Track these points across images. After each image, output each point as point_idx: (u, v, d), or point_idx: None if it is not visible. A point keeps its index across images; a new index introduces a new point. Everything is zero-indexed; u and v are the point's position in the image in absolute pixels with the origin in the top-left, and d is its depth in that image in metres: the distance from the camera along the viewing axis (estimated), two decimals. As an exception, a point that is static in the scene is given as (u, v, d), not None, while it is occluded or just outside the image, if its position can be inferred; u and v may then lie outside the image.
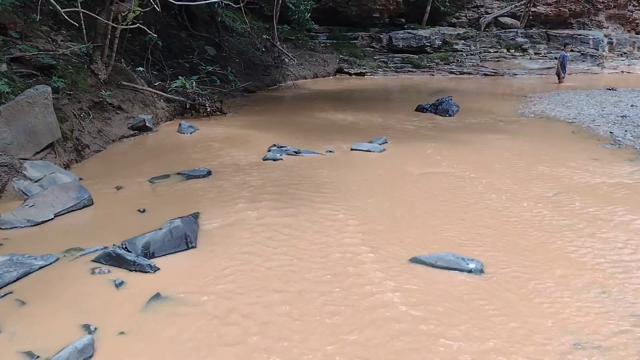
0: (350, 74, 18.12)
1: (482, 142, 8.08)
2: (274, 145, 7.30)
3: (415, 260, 3.83)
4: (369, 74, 18.28)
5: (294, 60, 16.46)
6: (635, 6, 24.82)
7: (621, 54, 23.81)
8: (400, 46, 19.28)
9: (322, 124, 9.61)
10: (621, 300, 3.27)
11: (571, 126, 9.44)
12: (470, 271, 3.67)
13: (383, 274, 3.61)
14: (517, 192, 5.48)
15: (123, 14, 7.61)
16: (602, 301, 3.28)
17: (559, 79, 16.89)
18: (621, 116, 9.94)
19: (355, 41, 19.49)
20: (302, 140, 7.87)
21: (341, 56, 18.72)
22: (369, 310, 3.15)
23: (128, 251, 3.86)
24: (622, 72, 21.15)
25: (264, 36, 16.38)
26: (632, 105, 11.05)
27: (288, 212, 4.83)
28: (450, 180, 5.94)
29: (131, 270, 3.65)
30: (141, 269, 3.66)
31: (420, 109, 10.91)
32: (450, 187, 5.68)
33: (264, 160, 6.69)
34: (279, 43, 16.03)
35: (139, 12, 7.44)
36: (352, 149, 7.36)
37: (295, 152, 7.01)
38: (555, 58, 21.07)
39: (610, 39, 23.13)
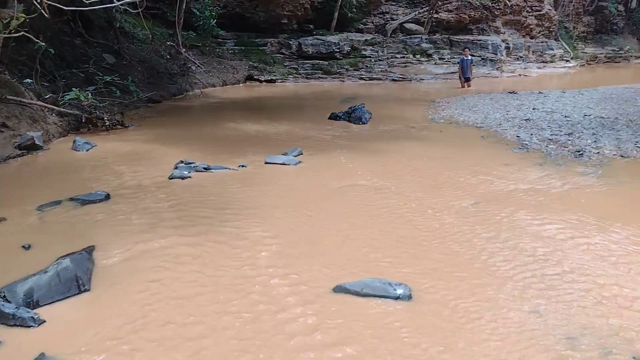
0: (260, 81, 17.73)
1: (398, 150, 8.00)
2: (181, 161, 6.76)
3: (339, 289, 3.52)
4: (279, 80, 17.98)
5: (201, 68, 15.83)
6: (529, 12, 26.39)
7: (517, 58, 25.21)
8: (310, 52, 19.16)
9: (234, 135, 9.15)
10: (552, 321, 3.14)
11: (480, 131, 9.63)
12: (398, 297, 3.42)
13: (303, 307, 3.27)
14: (437, 204, 5.35)
15: (5, 21, 6.80)
16: (534, 323, 3.13)
17: (461, 83, 17.42)
18: (525, 119, 10.30)
19: (265, 47, 19.13)
20: (212, 155, 7.39)
21: (251, 63, 18.27)
22: (285, 351, 2.81)
23: (7, 301, 3.28)
24: (520, 75, 22.34)
25: (168, 43, 15.61)
26: (533, 109, 11.53)
27: (198, 238, 4.38)
28: (370, 193, 5.72)
29: (10, 325, 3.08)
30: (22, 323, 3.09)
31: (334, 117, 10.74)
32: (370, 201, 5.45)
33: (170, 179, 6.15)
34: (184, 50, 15.35)
35: (23, 19, 6.67)
36: (266, 163, 6.99)
37: (204, 168, 6.53)
38: (457, 63, 21.93)
39: (508, 43, 24.42)
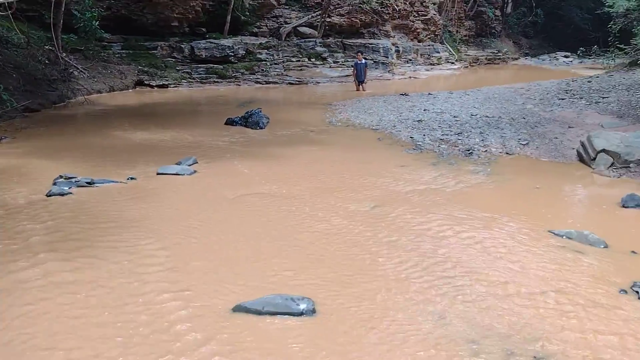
0: (152, 87, 16.89)
1: (296, 155, 7.88)
2: (61, 176, 6.16)
3: (239, 309, 3.30)
4: (172, 86, 17.24)
5: (84, 73, 14.79)
6: (416, 17, 27.53)
7: (407, 61, 26.19)
8: (204, 56, 18.58)
9: (122, 145, 8.55)
10: (455, 326, 3.13)
11: (376, 133, 9.78)
12: (301, 313, 3.27)
13: (200, 334, 3.02)
14: (338, 209, 5.28)
15: None
16: (436, 328, 3.10)
17: (356, 86, 17.70)
18: (417, 121, 10.62)
19: (155, 51, 18.26)
20: (98, 168, 6.82)
21: (140, 67, 17.36)
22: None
23: None
24: (410, 77, 23.20)
25: (47, 47, 14.41)
26: (424, 110, 11.93)
27: (80, 262, 3.96)
28: (268, 202, 5.54)
29: None
30: None
31: (230, 122, 10.42)
32: (268, 210, 5.27)
33: (48, 196, 5.57)
34: (64, 54, 14.24)
35: None
36: (158, 174, 6.57)
37: (88, 182, 6.00)
38: (352, 66, 22.37)
39: (398, 47, 25.29)
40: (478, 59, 33.96)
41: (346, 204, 5.45)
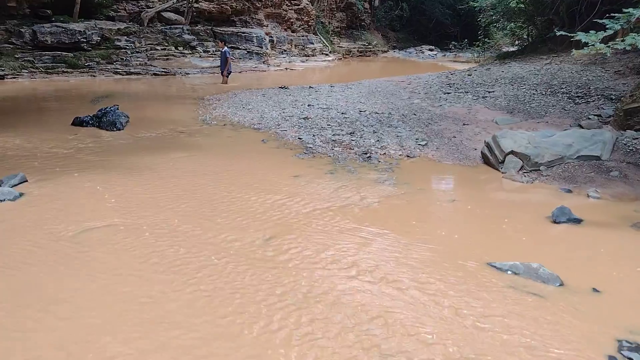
0: (-18, 78, 14.07)
1: (163, 165, 6.38)
2: None
3: None
4: (10, 77, 14.45)
5: None
6: (289, 6, 26.51)
7: (282, 52, 25.12)
8: (49, 42, 15.89)
9: None
10: None
11: (259, 133, 8.53)
12: None
13: None
14: (219, 245, 3.99)
15: None
16: None
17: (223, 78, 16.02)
18: (303, 118, 9.52)
19: (-14, 35, 15.29)
20: None
21: (-32, 55, 14.39)
22: None
23: None
24: (286, 69, 22.14)
25: None
26: (309, 105, 10.88)
27: None
28: (123, 239, 4.08)
29: None
30: None
31: (79, 122, 8.54)
32: (121, 253, 3.83)
33: None
34: None
35: None
36: (-34, 201, 4.77)
37: None
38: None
39: (272, 37, 24.10)
40: (350, 51, 33.92)
41: (231, 237, 4.16)
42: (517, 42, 22.50)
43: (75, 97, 12.08)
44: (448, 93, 11.45)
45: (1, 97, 11.53)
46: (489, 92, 10.84)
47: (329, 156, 7.11)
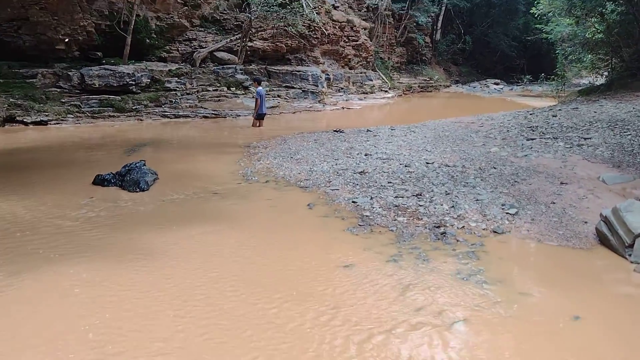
0: (26, 124, 13.45)
1: (179, 248, 5.01)
2: None
3: None
4: (54, 122, 13.86)
5: None
6: (346, 42, 25.45)
7: (339, 89, 23.95)
8: (97, 85, 15.30)
9: None
10: None
11: (305, 194, 7.10)
12: None
13: None
14: None
15: None
16: None
17: (254, 120, 14.74)
18: (359, 172, 8.04)
19: (34, 80, 14.79)
20: None
21: (12, 100, 13.86)
22: None
23: None
24: (343, 108, 20.88)
25: None
26: (366, 155, 9.40)
27: None
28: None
29: None
30: None
31: (100, 181, 7.41)
32: None
33: None
34: None
35: None
36: None
37: None
38: (278, 96, 19.75)
39: (328, 74, 23.01)
40: (411, 87, 32.44)
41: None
42: (604, 75, 20.22)
43: (112, 145, 11.14)
44: (532, 139, 9.68)
45: (33, 147, 10.72)
46: (585, 138, 9.00)
47: (391, 230, 5.55)
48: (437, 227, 5.64)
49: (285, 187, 7.53)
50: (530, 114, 12.71)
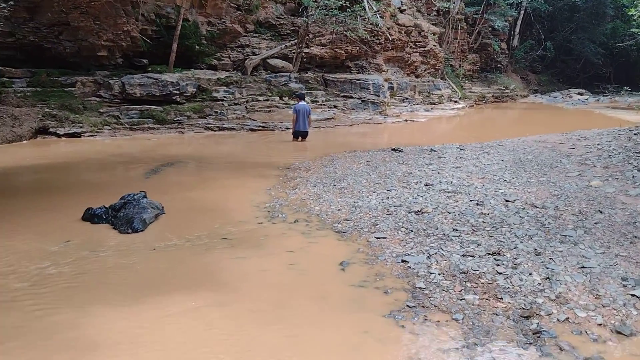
0: (59, 136, 12.53)
1: (143, 340, 3.38)
2: None
3: None
4: (88, 134, 12.85)
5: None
6: (413, 48, 23.48)
7: (403, 100, 22.03)
8: (138, 95, 14.24)
9: None
10: None
11: (341, 244, 5.34)
12: None
13: None
14: None
15: None
16: None
17: (294, 136, 13.30)
18: (416, 211, 6.20)
19: (72, 88, 13.92)
20: None
21: (48, 110, 12.99)
22: None
23: None
24: (406, 120, 18.94)
25: None
26: (426, 185, 7.52)
27: None
28: None
29: None
30: None
31: (89, 217, 5.98)
32: None
33: None
34: None
35: None
36: None
37: None
38: (335, 107, 18.11)
39: (391, 83, 21.13)
40: (484, 97, 29.95)
41: None
42: None
43: (137, 162, 9.84)
44: (646, 169, 7.46)
45: (41, 165, 9.56)
46: None
47: (456, 320, 3.69)
48: (525, 318, 3.72)
49: (318, 230, 5.80)
50: (635, 134, 10.35)
